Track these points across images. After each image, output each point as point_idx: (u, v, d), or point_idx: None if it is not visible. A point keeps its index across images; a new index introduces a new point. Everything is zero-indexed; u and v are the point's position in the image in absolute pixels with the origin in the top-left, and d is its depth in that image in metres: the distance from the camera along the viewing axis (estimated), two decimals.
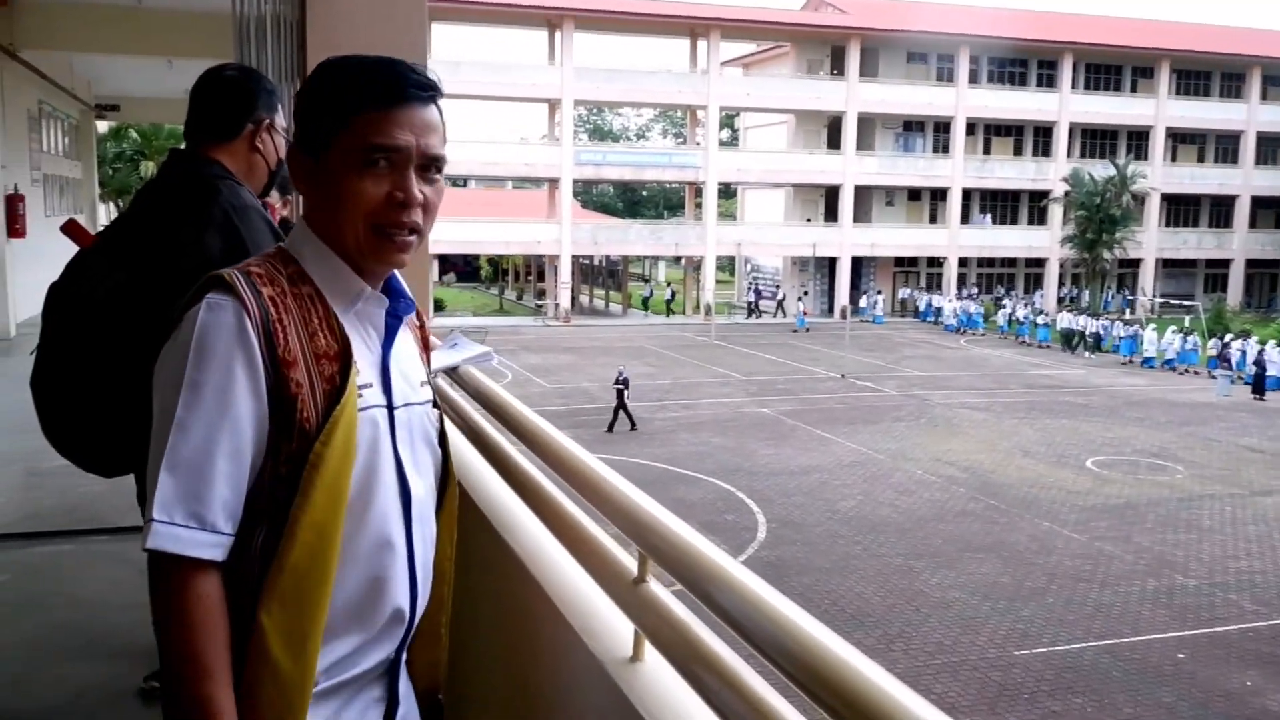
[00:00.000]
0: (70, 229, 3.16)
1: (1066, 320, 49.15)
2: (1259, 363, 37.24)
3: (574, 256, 56.58)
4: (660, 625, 1.83)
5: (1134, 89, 62.77)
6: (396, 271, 1.94)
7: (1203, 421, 32.03)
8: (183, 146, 3.20)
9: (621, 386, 28.44)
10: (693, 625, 1.76)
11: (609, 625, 2.07)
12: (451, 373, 2.88)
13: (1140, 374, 41.89)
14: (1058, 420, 31.14)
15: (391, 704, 1.94)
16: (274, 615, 1.71)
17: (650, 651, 1.93)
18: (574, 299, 57.74)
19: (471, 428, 2.91)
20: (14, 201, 19.07)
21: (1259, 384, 36.72)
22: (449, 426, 2.50)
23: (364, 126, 1.80)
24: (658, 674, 1.90)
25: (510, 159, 54.46)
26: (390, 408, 1.87)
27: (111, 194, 46.02)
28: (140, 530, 1.69)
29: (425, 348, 2.07)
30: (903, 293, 60.86)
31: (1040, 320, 50.35)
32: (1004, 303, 56.26)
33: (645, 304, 60.99)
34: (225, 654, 1.67)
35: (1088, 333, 47.57)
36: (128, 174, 47.63)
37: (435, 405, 2.01)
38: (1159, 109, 62.10)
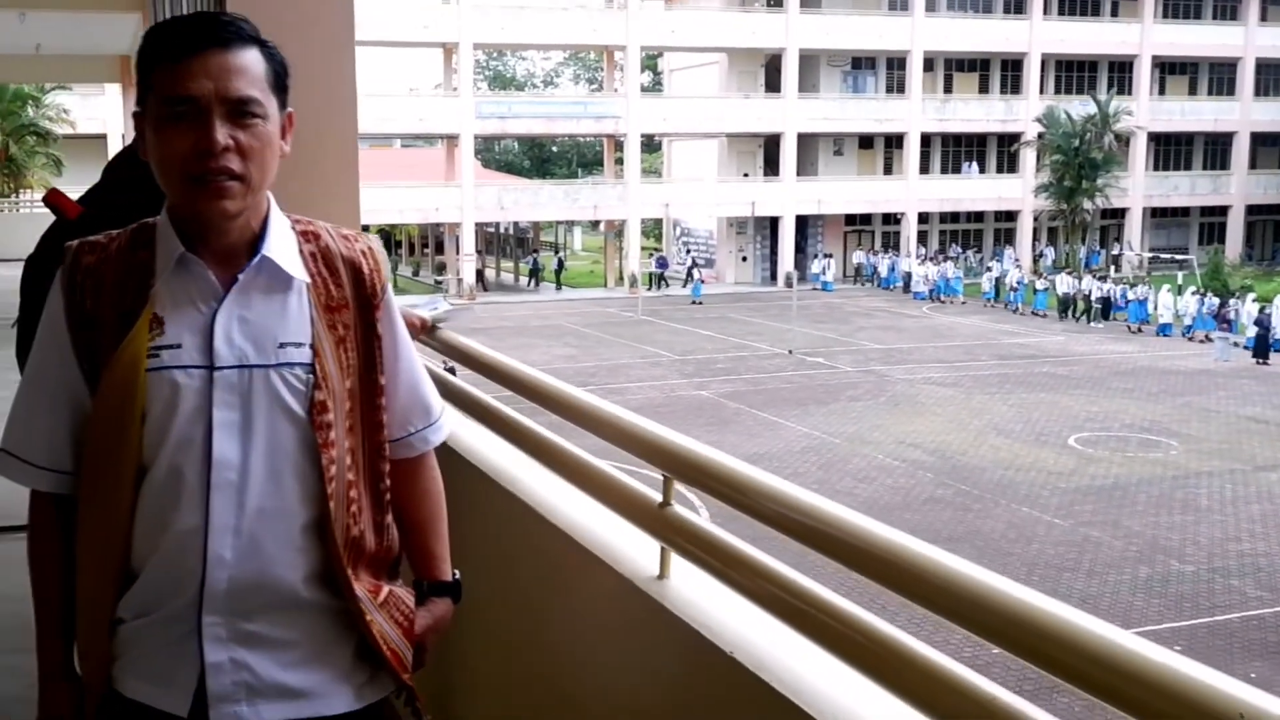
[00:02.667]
0: (54, 199, 3.43)
1: (1066, 284, 49.04)
2: (1261, 323, 38.14)
3: (477, 224, 56.57)
4: (687, 541, 2.51)
5: (1115, 12, 63.50)
6: (275, 234, 2.23)
7: (1200, 390, 32.86)
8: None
9: None
10: (719, 534, 2.41)
11: (635, 550, 2.74)
12: (431, 334, 3.66)
13: (1128, 340, 42.80)
14: (1035, 394, 31.81)
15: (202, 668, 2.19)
16: (80, 547, 2.23)
17: (678, 566, 2.60)
18: (480, 273, 57.73)
19: (454, 392, 3.67)
20: None
21: (1262, 347, 37.64)
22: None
23: (160, 81, 2.11)
24: (687, 584, 2.56)
25: (400, 113, 54.15)
26: (211, 368, 2.15)
27: None
28: None
29: (330, 309, 2.27)
30: (858, 256, 61.29)
31: (1040, 285, 50.17)
32: (990, 264, 56.34)
33: (533, 275, 61.07)
34: (57, 576, 2.27)
35: (1094, 297, 47.69)
36: None
37: (311, 370, 2.21)
38: (1144, 35, 62.73)
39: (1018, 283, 51.03)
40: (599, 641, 2.84)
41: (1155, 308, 45.04)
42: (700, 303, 52.23)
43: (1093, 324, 46.68)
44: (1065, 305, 48.43)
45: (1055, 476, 23.89)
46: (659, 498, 2.64)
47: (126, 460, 2.16)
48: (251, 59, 2.13)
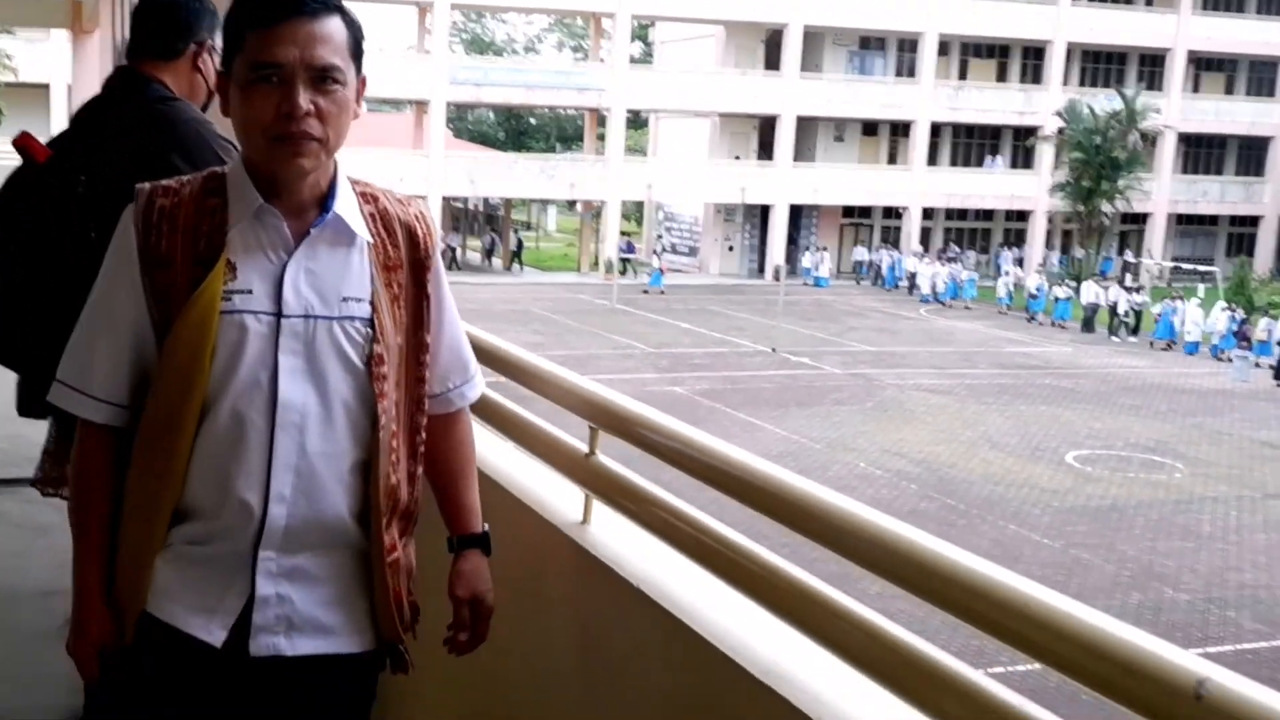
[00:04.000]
0: (24, 142, 3.71)
1: (1092, 293, 48.20)
2: None
3: (445, 198, 56.64)
4: (609, 489, 3.00)
5: (1149, 1, 63.49)
6: (343, 194, 2.55)
7: (1213, 411, 33.17)
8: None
9: None
10: (639, 482, 2.89)
11: (561, 497, 3.25)
12: None
13: (1140, 355, 43.09)
14: (1034, 407, 32.09)
15: (250, 599, 2.50)
16: (133, 480, 2.51)
17: (600, 512, 3.10)
18: (446, 251, 57.70)
19: None
20: None
21: None
22: None
23: (252, 45, 2.41)
24: (608, 528, 3.05)
25: (367, 74, 54.07)
26: (279, 315, 2.46)
27: None
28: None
29: (387, 268, 2.59)
30: (858, 252, 61.32)
31: (1061, 293, 49.31)
32: (1005, 269, 55.80)
33: (487, 255, 61.21)
34: (102, 506, 2.53)
35: (1120, 310, 47.05)
36: None
37: (370, 325, 2.54)
38: (1179, 26, 62.70)
39: (1037, 289, 50.45)
40: (524, 584, 3.24)
41: (1183, 323, 44.63)
42: (663, 292, 52.13)
43: (1121, 338, 46.29)
44: (1090, 316, 47.90)
45: (1048, 495, 24.14)
46: (586, 448, 3.13)
47: (195, 399, 2.44)
48: (335, 27, 2.45)
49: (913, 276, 56.34)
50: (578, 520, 3.14)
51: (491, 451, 3.58)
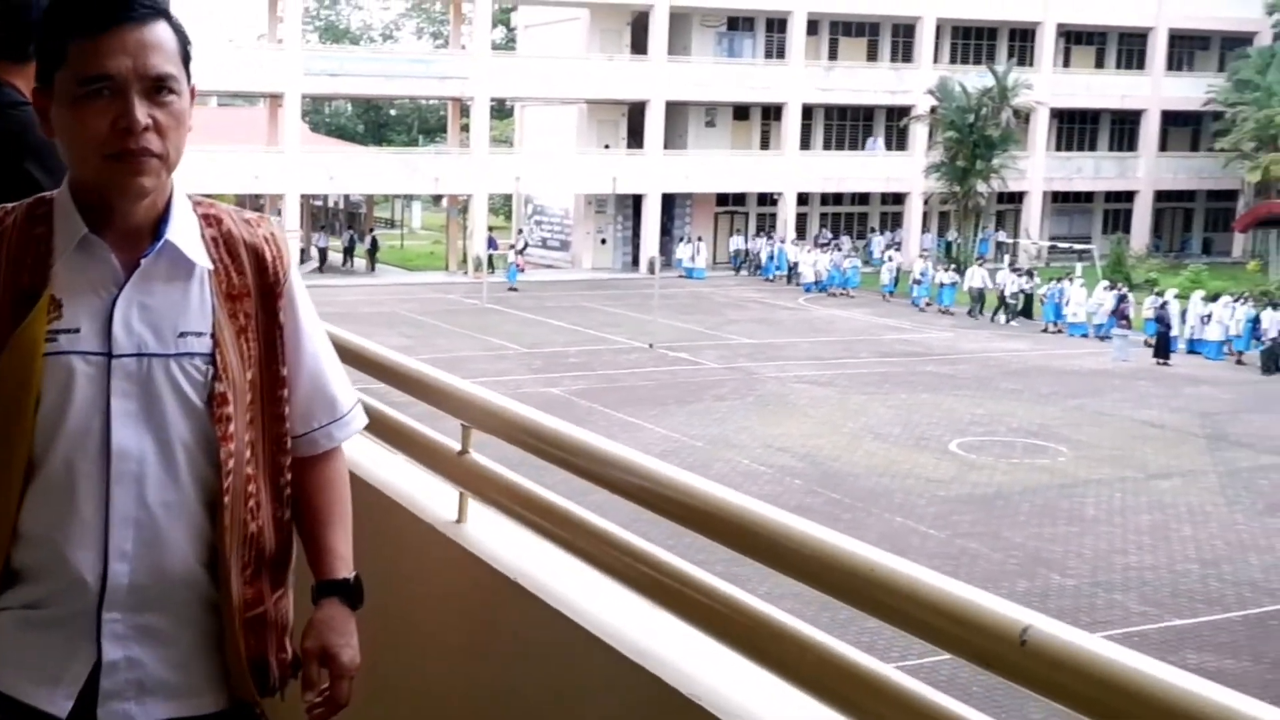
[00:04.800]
0: None
1: (979, 277, 48.69)
2: (1161, 319, 39.54)
3: (304, 196, 56.24)
4: (484, 486, 3.15)
5: None
6: (178, 217, 2.39)
7: (1094, 392, 34.06)
8: None
9: None
10: (513, 478, 3.05)
11: (436, 496, 3.39)
12: None
13: (1020, 337, 44.03)
14: (917, 395, 32.76)
15: (97, 664, 2.36)
16: None
17: (475, 510, 3.25)
18: (304, 251, 57.35)
19: None
20: None
21: (1162, 345, 39.08)
22: None
23: (76, 57, 2.26)
24: (483, 526, 3.20)
25: (216, 67, 53.58)
26: (109, 355, 2.30)
27: None
28: None
29: (231, 297, 2.44)
30: (735, 241, 61.58)
31: (946, 278, 49.69)
32: (877, 254, 56.36)
33: (347, 253, 61.05)
34: None
35: (1008, 293, 47.51)
36: None
37: (211, 361, 2.38)
38: None
39: (921, 275, 50.69)
40: (402, 585, 3.36)
41: (1068, 304, 45.36)
42: (514, 289, 52.04)
43: (1010, 322, 46.86)
44: (977, 301, 48.28)
45: (934, 484, 24.69)
46: (459, 446, 3.27)
47: (20, 450, 2.30)
48: (165, 33, 2.30)
49: (794, 265, 56.49)
50: (453, 519, 3.25)
51: (363, 454, 3.69)
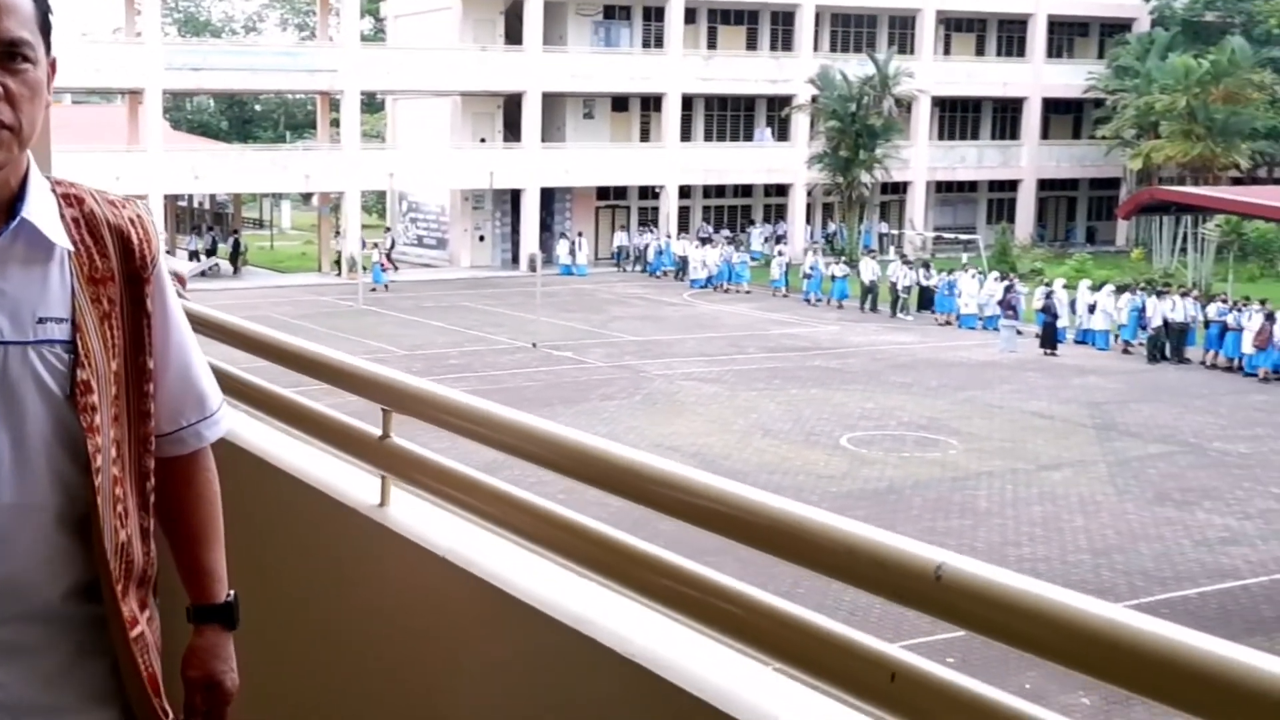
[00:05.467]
0: None
1: (871, 270, 48.84)
2: (1047, 309, 40.45)
3: (167, 197, 55.66)
4: (406, 468, 3.26)
5: None
6: (35, 195, 2.28)
7: (983, 384, 34.74)
8: None
9: None
10: (435, 459, 3.17)
11: (358, 482, 3.48)
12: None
13: (912, 330, 44.69)
14: (807, 390, 33.23)
15: None
16: None
17: (399, 492, 3.35)
18: (170, 254, 56.70)
19: None
20: None
21: (1048, 335, 40.03)
22: None
23: None
24: (407, 508, 3.31)
25: (72, 63, 52.91)
26: None
27: None
28: None
29: (94, 281, 2.33)
30: (618, 237, 61.66)
31: (839, 271, 49.89)
32: (780, 249, 56.03)
33: (208, 254, 60.38)
34: None
35: (901, 286, 47.69)
36: None
37: (71, 348, 2.27)
38: None
39: (811, 268, 50.71)
40: (326, 571, 3.53)
41: (960, 295, 45.79)
42: (375, 289, 51.52)
43: (905, 316, 47.11)
44: (871, 295, 48.42)
45: (825, 480, 25.09)
46: (379, 431, 3.37)
47: None
48: None
49: (683, 260, 56.43)
50: (375, 503, 3.37)
51: (281, 446, 3.83)
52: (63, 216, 2.29)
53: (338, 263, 56.93)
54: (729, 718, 2.30)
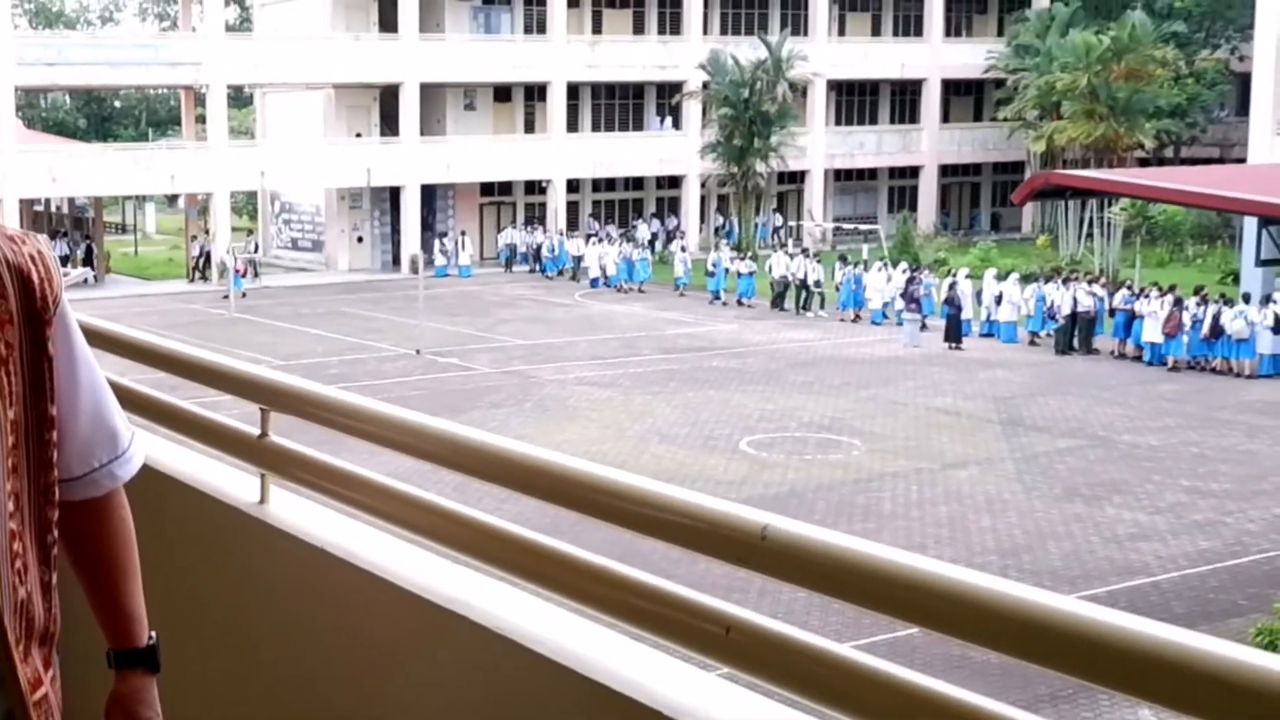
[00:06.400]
0: None
1: (782, 265, 48.61)
2: (951, 301, 40.94)
3: (22, 200, 54.92)
4: (285, 465, 3.49)
5: None
6: None
7: (887, 381, 35.22)
8: None
9: None
10: (313, 455, 3.42)
11: (235, 481, 3.72)
12: None
13: (809, 326, 45.22)
14: (704, 392, 33.52)
15: None
16: None
17: (278, 489, 3.57)
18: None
19: None
20: None
21: (953, 329, 40.58)
22: None
23: None
24: (286, 504, 3.53)
25: None
26: None
27: None
28: None
29: None
30: (506, 235, 60.86)
31: (744, 268, 49.78)
32: (681, 246, 55.51)
33: (65, 261, 59.21)
34: None
35: (809, 281, 47.58)
36: None
37: None
38: None
39: (714, 265, 50.47)
40: (208, 570, 3.75)
41: (865, 289, 46.09)
42: (244, 295, 51.04)
43: (813, 313, 47.29)
44: (781, 291, 48.37)
45: (725, 486, 25.23)
46: (257, 430, 3.61)
47: None
48: None
49: (578, 259, 55.97)
50: (255, 500, 3.60)
51: (158, 447, 3.98)
52: None
53: (199, 268, 56.30)
54: (568, 669, 2.60)
